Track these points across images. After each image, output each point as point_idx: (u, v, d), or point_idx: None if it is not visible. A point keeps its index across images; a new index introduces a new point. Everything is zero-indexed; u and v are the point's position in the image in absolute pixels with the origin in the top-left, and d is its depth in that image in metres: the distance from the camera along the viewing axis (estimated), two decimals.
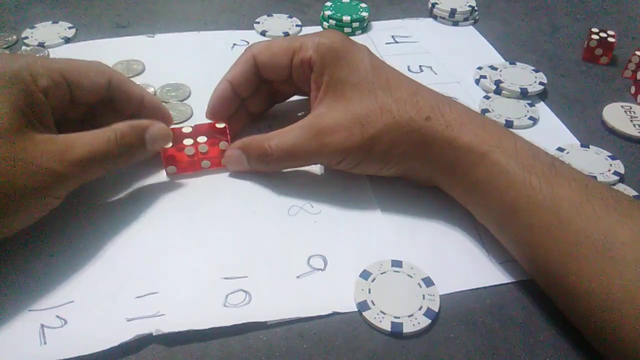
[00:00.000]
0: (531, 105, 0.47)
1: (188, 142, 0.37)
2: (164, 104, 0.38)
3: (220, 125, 0.38)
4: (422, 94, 0.35)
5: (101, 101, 0.35)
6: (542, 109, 0.47)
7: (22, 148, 0.29)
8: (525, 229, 0.30)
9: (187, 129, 0.37)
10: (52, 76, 0.32)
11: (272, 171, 0.38)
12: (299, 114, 0.43)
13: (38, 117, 0.30)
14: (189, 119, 0.44)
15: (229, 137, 0.37)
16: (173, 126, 0.41)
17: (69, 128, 0.33)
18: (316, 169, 0.39)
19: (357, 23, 0.55)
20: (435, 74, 0.51)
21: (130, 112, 0.36)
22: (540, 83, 0.48)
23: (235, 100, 0.39)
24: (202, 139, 0.37)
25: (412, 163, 0.35)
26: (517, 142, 0.32)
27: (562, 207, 0.29)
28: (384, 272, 0.32)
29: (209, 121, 0.38)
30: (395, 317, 0.30)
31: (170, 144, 0.36)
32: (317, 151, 0.35)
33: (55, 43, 0.51)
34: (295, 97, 0.43)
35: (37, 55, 0.50)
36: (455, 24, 0.58)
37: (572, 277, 0.28)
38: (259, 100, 0.40)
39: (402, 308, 0.30)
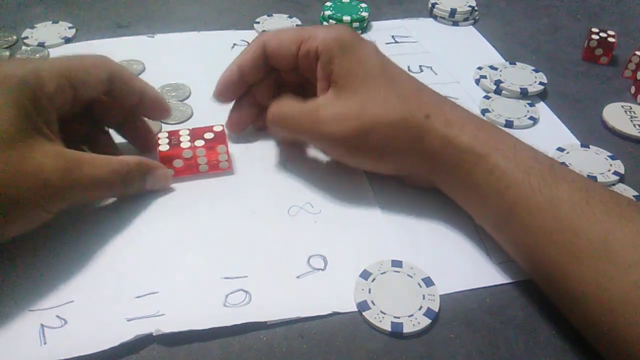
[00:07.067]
0: (531, 105, 0.47)
1: (185, 145, 0.37)
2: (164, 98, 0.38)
3: (218, 129, 0.38)
4: (425, 92, 0.35)
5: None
6: (542, 109, 0.47)
7: (26, 157, 0.28)
8: (523, 230, 0.30)
9: (184, 132, 0.37)
10: (58, 80, 0.31)
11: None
12: None
13: (45, 122, 0.30)
14: (189, 119, 0.44)
15: (226, 140, 0.37)
16: (170, 128, 0.41)
17: (66, 121, 0.33)
18: (316, 168, 0.39)
19: (357, 23, 0.55)
20: (435, 74, 0.50)
21: (129, 105, 0.37)
22: (540, 83, 0.48)
23: (242, 85, 0.39)
24: (199, 142, 0.37)
25: (409, 160, 0.35)
26: (517, 145, 0.32)
27: (561, 209, 0.29)
28: (384, 272, 0.32)
29: (206, 124, 0.38)
30: (395, 317, 0.30)
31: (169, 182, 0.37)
32: (311, 129, 0.35)
33: (55, 43, 0.51)
34: None
35: (38, 55, 0.50)
36: (455, 24, 0.58)
37: (571, 279, 0.28)
38: (267, 90, 0.40)
39: (402, 308, 0.30)
